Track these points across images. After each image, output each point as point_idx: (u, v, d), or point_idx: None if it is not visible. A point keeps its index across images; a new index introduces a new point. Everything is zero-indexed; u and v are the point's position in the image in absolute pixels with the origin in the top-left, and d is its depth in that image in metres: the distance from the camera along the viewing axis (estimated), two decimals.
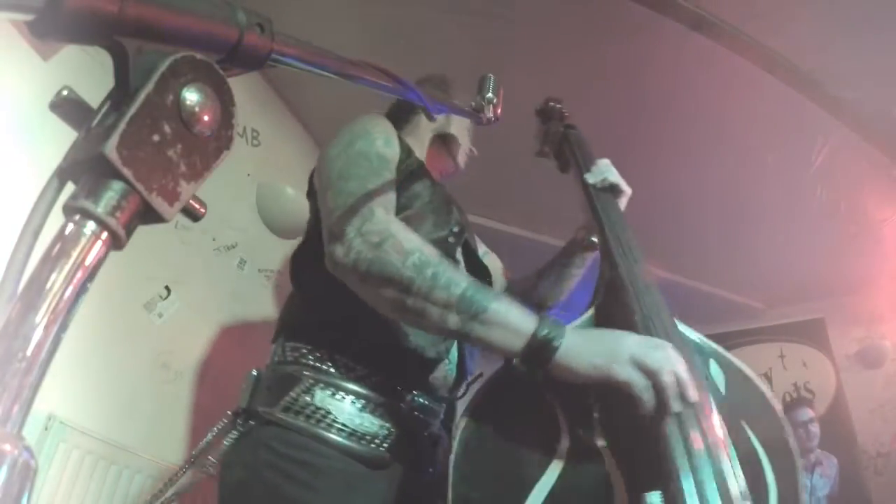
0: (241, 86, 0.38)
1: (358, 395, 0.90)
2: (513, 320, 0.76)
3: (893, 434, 2.87)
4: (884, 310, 3.08)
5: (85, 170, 0.34)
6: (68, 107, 0.36)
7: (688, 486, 0.69)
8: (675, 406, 0.73)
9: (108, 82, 0.36)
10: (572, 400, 0.80)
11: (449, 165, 1.35)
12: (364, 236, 0.80)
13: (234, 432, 0.95)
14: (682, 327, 0.94)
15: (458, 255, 1.10)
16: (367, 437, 0.89)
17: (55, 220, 0.34)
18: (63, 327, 0.31)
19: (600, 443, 0.79)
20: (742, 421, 0.86)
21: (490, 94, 0.87)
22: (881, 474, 2.85)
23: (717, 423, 0.77)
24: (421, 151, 1.27)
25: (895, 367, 3.04)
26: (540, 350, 0.74)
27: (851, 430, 2.99)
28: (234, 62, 0.40)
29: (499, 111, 0.88)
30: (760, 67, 1.97)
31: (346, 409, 0.89)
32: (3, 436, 0.27)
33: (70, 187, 0.34)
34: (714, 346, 0.97)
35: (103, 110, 0.36)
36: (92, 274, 0.32)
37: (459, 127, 1.37)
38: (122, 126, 0.32)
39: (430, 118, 0.72)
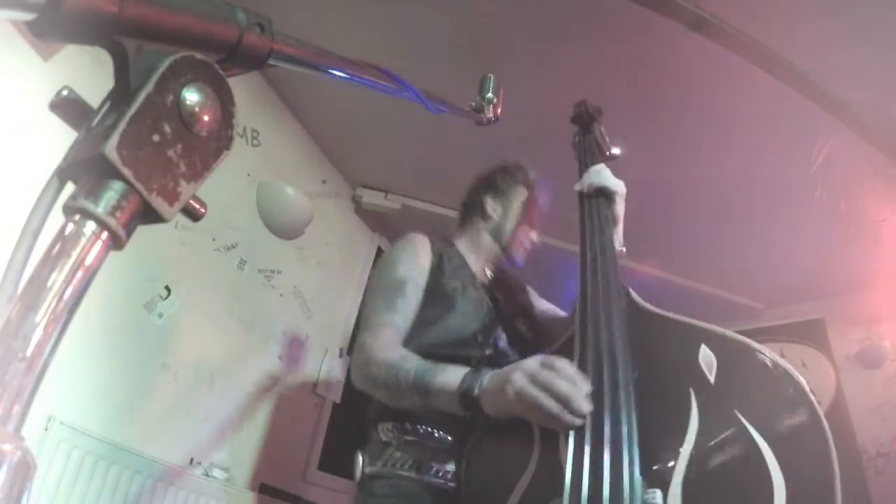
0: (241, 86, 0.38)
1: (431, 449, 1.19)
2: (448, 387, 0.98)
3: (893, 434, 2.87)
4: (884, 310, 3.07)
5: (85, 170, 0.34)
6: (68, 107, 0.36)
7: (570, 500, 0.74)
8: (569, 422, 0.80)
9: (108, 82, 0.36)
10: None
11: (497, 258, 1.50)
12: (358, 368, 1.18)
13: (359, 497, 1.23)
14: (662, 311, 0.97)
15: (493, 346, 1.30)
16: (441, 473, 1.17)
17: (55, 220, 0.34)
18: (63, 327, 0.31)
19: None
20: (736, 411, 0.78)
21: (490, 94, 0.87)
22: (881, 474, 2.85)
23: (609, 434, 0.77)
24: (477, 249, 1.49)
25: (895, 367, 3.04)
26: (468, 402, 0.95)
27: (851, 431, 2.99)
28: (234, 62, 0.40)
29: (499, 111, 0.88)
30: (760, 67, 1.97)
31: (428, 457, 1.18)
32: (3, 436, 0.27)
33: (70, 187, 0.34)
34: (705, 326, 0.91)
35: (103, 110, 0.36)
36: (92, 274, 0.32)
37: (517, 221, 1.49)
38: (122, 126, 0.32)
39: (434, 111, 0.73)
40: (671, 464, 0.77)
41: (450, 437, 1.20)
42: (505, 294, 1.47)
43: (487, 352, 1.28)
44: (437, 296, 1.30)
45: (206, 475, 2.06)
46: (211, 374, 2.12)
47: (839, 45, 1.85)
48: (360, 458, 1.26)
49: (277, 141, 2.56)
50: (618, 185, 1.25)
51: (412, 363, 1.09)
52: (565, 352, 0.93)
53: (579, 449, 0.78)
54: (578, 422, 0.80)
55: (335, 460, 2.77)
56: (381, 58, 0.58)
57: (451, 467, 1.18)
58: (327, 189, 2.92)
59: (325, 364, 2.81)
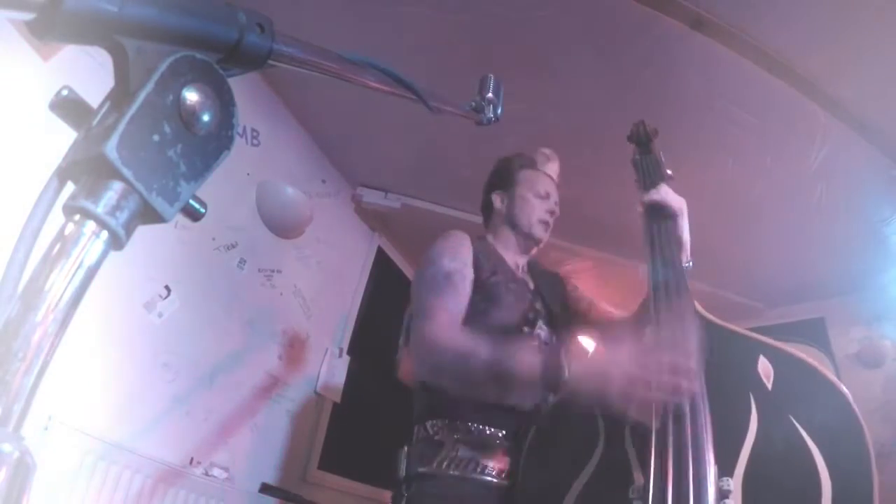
0: (241, 86, 0.38)
1: (484, 446, 1.20)
2: (529, 369, 1.05)
3: (894, 434, 2.86)
4: (884, 310, 3.07)
5: (85, 170, 0.34)
6: (68, 107, 0.36)
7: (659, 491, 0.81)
8: (675, 398, 0.87)
9: (108, 82, 0.36)
10: (610, 413, 0.98)
11: (523, 246, 1.51)
12: (422, 358, 1.19)
13: (404, 495, 1.22)
14: (726, 324, 1.06)
15: (537, 338, 1.33)
16: (496, 472, 1.18)
17: (55, 220, 0.34)
18: (63, 327, 0.31)
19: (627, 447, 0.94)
20: (790, 416, 0.86)
21: (490, 94, 0.87)
22: (881, 474, 2.85)
23: (703, 426, 0.85)
24: (504, 244, 1.50)
25: (895, 367, 3.04)
26: (552, 384, 1.02)
27: None
28: (234, 62, 0.40)
29: (499, 111, 0.88)
30: (760, 67, 1.97)
31: (486, 457, 1.19)
32: (3, 436, 0.27)
33: (70, 187, 0.34)
34: (764, 339, 1.00)
35: (103, 110, 0.35)
36: (92, 274, 0.32)
37: (523, 200, 1.50)
38: (122, 126, 0.32)
39: (434, 111, 0.73)
40: (735, 458, 0.86)
41: (502, 433, 1.21)
42: (542, 286, 1.48)
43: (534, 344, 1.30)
44: (481, 289, 1.31)
45: (206, 475, 2.06)
46: (211, 374, 2.12)
47: (839, 45, 1.85)
48: (405, 456, 1.26)
49: (277, 141, 2.56)
50: (681, 204, 1.30)
51: (483, 347, 1.09)
52: None
53: (662, 439, 0.86)
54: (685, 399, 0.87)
55: (335, 460, 2.77)
56: (381, 58, 0.58)
57: (504, 464, 1.18)
58: (327, 189, 2.92)
59: (325, 364, 2.80)
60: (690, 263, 1.32)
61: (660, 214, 1.28)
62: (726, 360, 1.00)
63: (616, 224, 2.44)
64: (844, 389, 0.88)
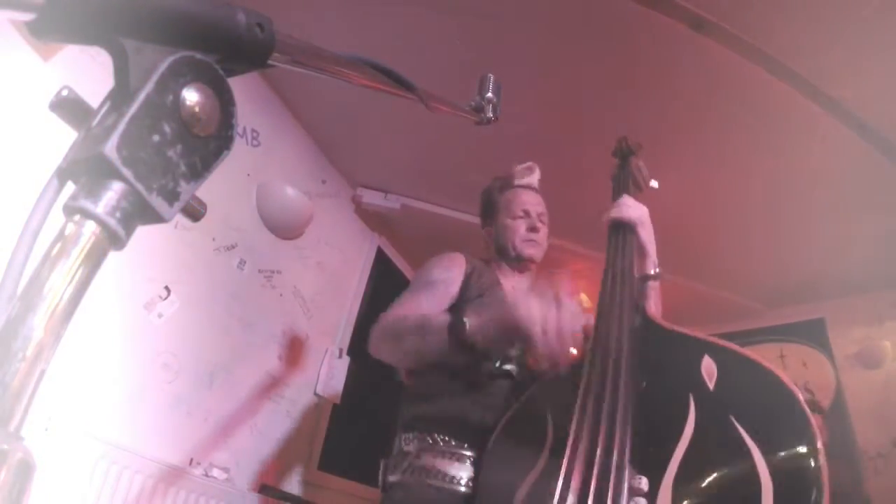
0: (241, 86, 0.38)
1: (452, 455, 1.25)
2: (442, 319, 1.12)
3: (894, 434, 2.86)
4: (884, 310, 3.07)
5: (85, 170, 0.34)
6: (68, 107, 0.36)
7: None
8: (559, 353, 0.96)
9: (108, 82, 0.36)
10: (559, 410, 1.03)
11: (518, 267, 1.54)
12: (372, 336, 1.26)
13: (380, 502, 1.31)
14: (675, 327, 1.07)
15: (504, 360, 1.35)
16: (456, 480, 1.22)
17: (55, 220, 0.34)
18: (63, 327, 0.31)
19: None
20: (731, 416, 0.85)
21: (490, 94, 0.87)
22: (881, 474, 2.85)
23: (603, 440, 0.87)
24: (502, 271, 1.54)
25: (895, 368, 3.03)
26: (458, 330, 1.06)
27: (851, 431, 2.98)
28: (234, 62, 0.40)
29: (498, 111, 0.88)
30: (760, 67, 1.97)
31: (445, 464, 1.24)
32: (3, 436, 0.27)
33: (70, 187, 0.34)
34: (712, 340, 1.00)
35: (103, 110, 0.35)
36: (92, 274, 0.32)
37: (503, 228, 1.54)
38: (122, 126, 0.32)
39: (434, 111, 0.73)
40: (664, 459, 0.84)
41: (466, 444, 1.26)
42: None
43: (497, 364, 1.33)
44: (460, 304, 1.36)
45: (206, 475, 2.06)
46: (211, 374, 2.12)
47: (838, 45, 1.85)
48: (383, 466, 1.35)
49: (277, 141, 2.56)
50: (637, 215, 1.35)
51: (418, 315, 1.18)
52: (577, 365, 1.06)
53: (577, 435, 0.90)
54: (565, 358, 0.96)
55: (335, 460, 2.77)
56: (381, 58, 0.58)
57: (467, 473, 1.23)
58: (327, 189, 2.92)
59: (325, 364, 2.80)
60: (656, 270, 1.36)
61: (618, 227, 1.34)
62: (669, 363, 1.01)
63: None
64: (793, 388, 0.86)
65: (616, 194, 1.44)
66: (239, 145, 2.22)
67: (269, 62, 0.43)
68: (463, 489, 1.22)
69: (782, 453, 0.80)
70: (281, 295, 2.55)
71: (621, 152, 1.59)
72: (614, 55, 2.06)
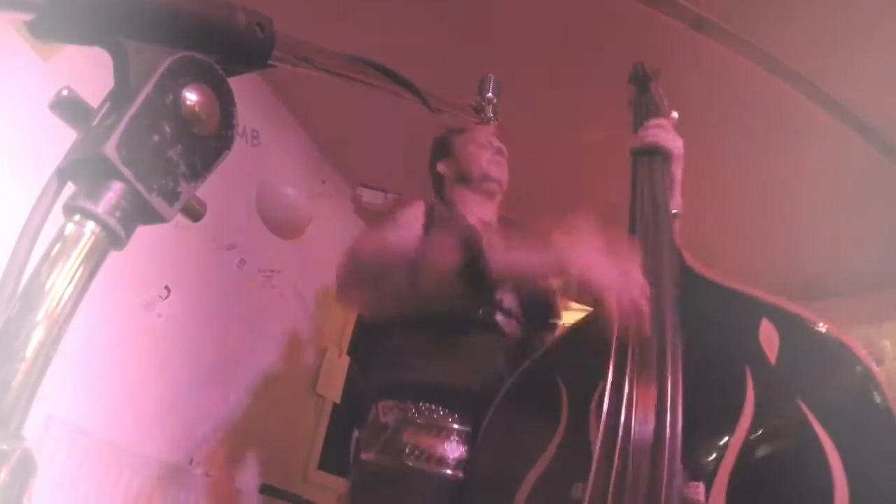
0: (241, 86, 0.38)
1: (440, 430, 1.07)
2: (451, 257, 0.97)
3: None
4: (884, 310, 3.07)
5: (85, 170, 0.34)
6: (68, 107, 0.36)
7: None
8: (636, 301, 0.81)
9: (108, 82, 0.36)
10: (577, 381, 0.83)
11: (485, 193, 1.41)
12: (342, 270, 1.13)
13: (350, 481, 1.16)
14: (721, 279, 0.89)
15: (493, 303, 1.20)
16: (443, 462, 1.05)
17: (55, 220, 0.34)
18: (63, 327, 0.31)
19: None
20: (799, 398, 0.65)
21: (490, 94, 0.87)
22: None
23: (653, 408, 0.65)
24: (465, 204, 1.39)
25: (895, 367, 3.03)
26: (475, 253, 0.93)
27: None
28: (234, 62, 0.40)
29: (499, 111, 0.88)
30: (760, 67, 1.97)
31: (432, 442, 1.06)
32: (3, 436, 0.27)
33: (70, 187, 0.34)
34: (769, 299, 0.79)
35: (103, 110, 0.35)
36: (92, 274, 0.32)
37: (466, 154, 1.43)
38: (122, 126, 0.32)
39: (434, 111, 0.72)
40: (718, 455, 0.65)
41: (456, 415, 1.09)
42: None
43: (485, 310, 1.17)
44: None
45: (206, 475, 2.06)
46: (211, 374, 2.12)
47: (839, 45, 1.84)
48: (356, 441, 1.18)
49: (277, 141, 2.56)
50: (676, 143, 1.17)
51: (407, 243, 1.03)
52: (598, 322, 0.86)
53: (613, 419, 0.67)
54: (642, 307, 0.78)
55: (335, 460, 2.77)
56: (381, 58, 0.58)
57: (457, 453, 1.06)
58: (327, 189, 2.92)
59: (325, 364, 2.80)
60: (678, 212, 1.22)
61: (648, 155, 1.16)
62: (718, 325, 0.81)
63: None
64: (873, 367, 0.67)
65: (639, 121, 1.27)
66: (239, 145, 2.20)
67: (269, 62, 0.43)
68: (450, 472, 1.04)
69: (865, 456, 0.62)
70: (281, 294, 2.55)
71: (638, 78, 1.43)
72: (614, 54, 2.06)
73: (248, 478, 2.28)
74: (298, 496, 2.45)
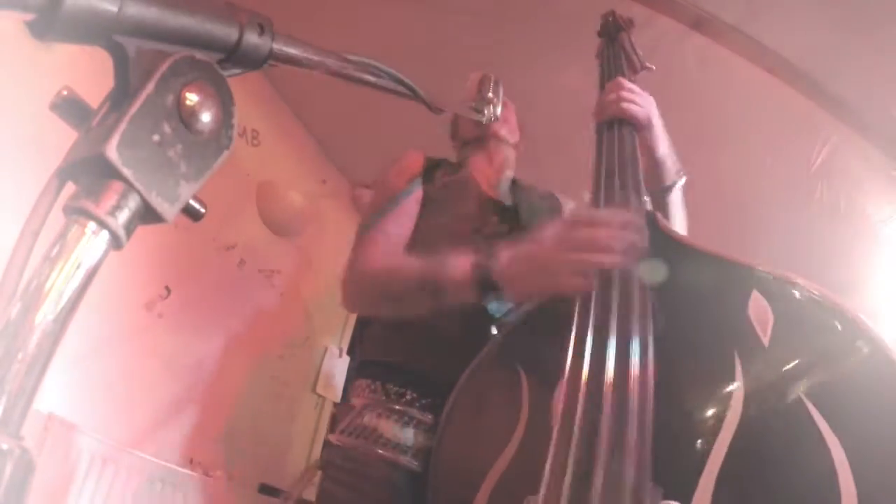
0: (241, 86, 0.38)
1: (401, 415, 1.01)
2: (459, 272, 0.87)
3: None
4: (883, 310, 3.07)
5: (85, 170, 0.34)
6: (68, 107, 0.36)
7: None
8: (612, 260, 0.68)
9: (108, 82, 0.36)
10: (538, 368, 0.73)
11: (477, 133, 1.36)
12: (350, 286, 1.16)
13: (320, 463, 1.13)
14: (702, 246, 0.75)
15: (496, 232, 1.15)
16: (410, 450, 1.00)
17: (55, 220, 0.34)
18: (63, 327, 0.31)
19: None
20: (799, 388, 0.53)
21: (490, 94, 0.87)
22: None
23: (612, 417, 0.53)
24: (473, 165, 1.35)
25: None
26: (486, 285, 0.83)
27: None
28: (234, 62, 0.40)
29: (499, 111, 0.88)
30: (760, 67, 1.97)
31: (391, 427, 1.01)
32: (3, 436, 0.27)
33: (70, 187, 0.34)
34: (760, 268, 0.65)
35: (103, 110, 0.36)
36: (92, 274, 0.32)
37: (458, 117, 1.41)
38: (122, 126, 0.32)
39: (435, 111, 0.72)
40: (699, 463, 0.53)
41: (425, 400, 1.01)
42: (524, 207, 1.28)
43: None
44: (429, 200, 1.19)
45: (206, 475, 2.06)
46: (211, 375, 2.12)
47: (839, 45, 1.84)
48: (329, 420, 1.17)
49: (277, 141, 2.55)
50: (644, 111, 1.01)
51: (414, 261, 0.97)
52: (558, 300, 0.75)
53: (566, 430, 0.53)
54: (620, 259, 0.66)
55: None
56: (381, 58, 0.58)
57: (412, 441, 1.00)
58: (327, 189, 2.92)
59: (324, 364, 2.80)
60: (679, 179, 1.11)
61: (610, 120, 1.01)
62: (698, 300, 0.66)
63: None
64: (889, 347, 0.53)
65: (605, 77, 1.14)
66: (239, 145, 2.21)
67: (269, 62, 0.43)
68: (406, 460, 0.97)
69: (879, 459, 0.49)
70: (281, 294, 2.55)
71: (607, 30, 1.27)
72: None
73: (248, 478, 2.28)
74: (298, 496, 2.45)
